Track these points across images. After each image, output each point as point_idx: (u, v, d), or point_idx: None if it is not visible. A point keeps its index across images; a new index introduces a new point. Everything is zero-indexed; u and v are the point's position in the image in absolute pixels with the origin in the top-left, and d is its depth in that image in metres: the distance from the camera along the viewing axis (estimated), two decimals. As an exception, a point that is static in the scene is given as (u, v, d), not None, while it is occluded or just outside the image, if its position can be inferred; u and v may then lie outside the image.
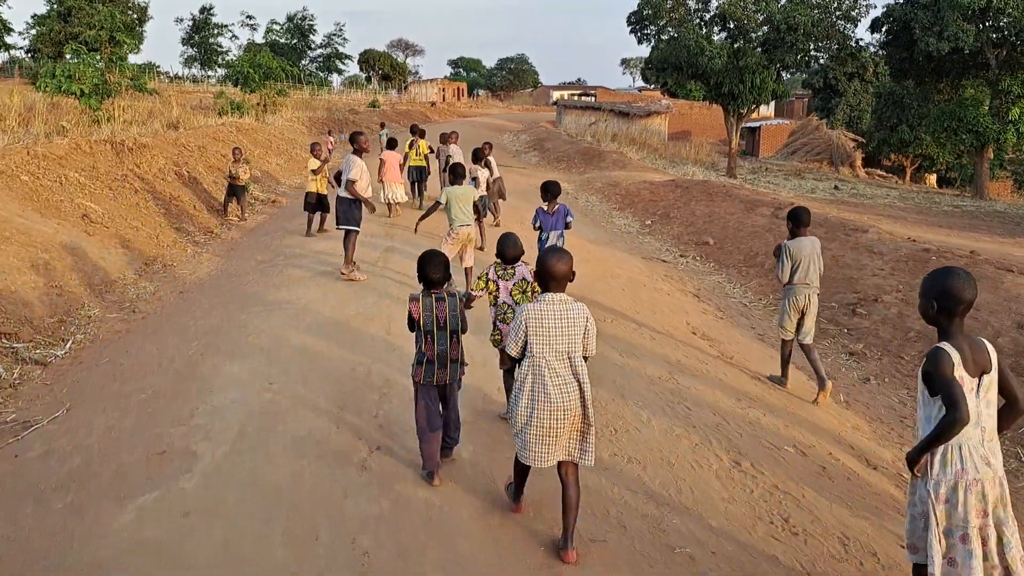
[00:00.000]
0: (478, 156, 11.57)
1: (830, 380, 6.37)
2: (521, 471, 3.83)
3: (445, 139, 14.49)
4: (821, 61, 28.15)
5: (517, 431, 3.60)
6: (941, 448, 2.95)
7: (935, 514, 2.94)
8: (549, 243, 7.62)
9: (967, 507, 2.91)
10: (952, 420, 2.86)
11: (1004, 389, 3.07)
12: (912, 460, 3.06)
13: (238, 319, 7.28)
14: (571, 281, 3.57)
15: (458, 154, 13.12)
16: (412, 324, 4.25)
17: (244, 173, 13.65)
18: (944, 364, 2.91)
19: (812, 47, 26.52)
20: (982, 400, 2.96)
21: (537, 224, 7.82)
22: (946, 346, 2.96)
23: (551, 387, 3.46)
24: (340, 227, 8.85)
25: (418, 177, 14.50)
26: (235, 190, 13.70)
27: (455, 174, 8.09)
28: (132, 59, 46.38)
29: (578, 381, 3.52)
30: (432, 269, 4.17)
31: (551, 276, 3.50)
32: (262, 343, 6.49)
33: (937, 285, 2.99)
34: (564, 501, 3.62)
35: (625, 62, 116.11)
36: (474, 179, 10.55)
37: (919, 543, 3.07)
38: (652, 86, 70.49)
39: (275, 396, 5.34)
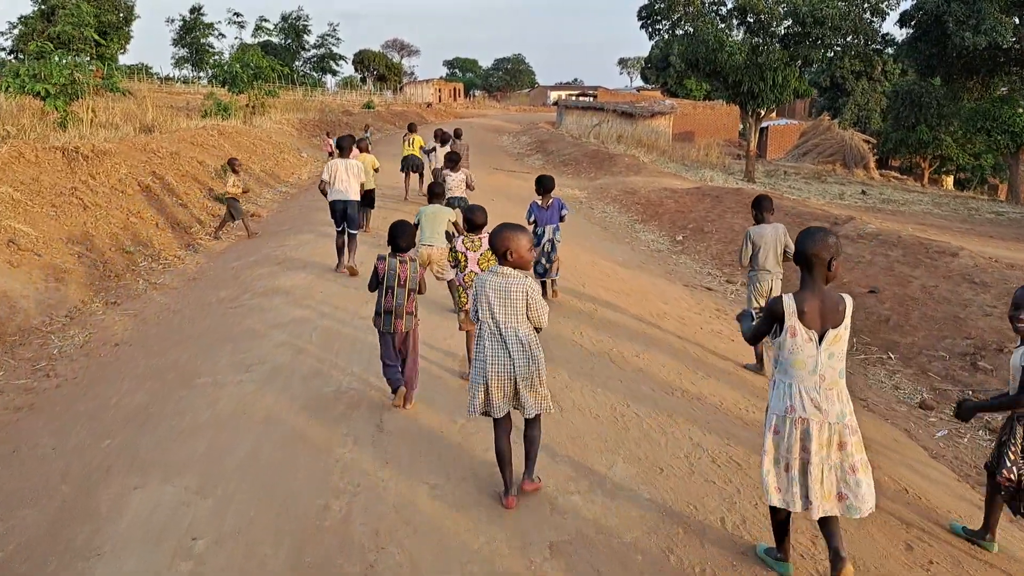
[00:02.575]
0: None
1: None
2: (499, 456, 3.88)
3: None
4: (845, 57, 26.16)
5: (469, 384, 3.84)
6: (778, 383, 3.26)
7: (767, 442, 3.26)
8: (545, 238, 7.59)
9: (791, 440, 3.17)
10: (744, 331, 3.60)
11: None
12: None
13: (174, 398, 5.31)
14: (513, 260, 3.66)
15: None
16: (374, 284, 4.90)
17: (234, 187, 11.58)
18: (775, 307, 3.23)
19: (838, 42, 24.59)
20: (823, 351, 3.16)
21: (531, 219, 7.64)
22: (787, 296, 3.23)
23: (496, 348, 3.71)
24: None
25: (412, 166, 15.00)
26: (234, 208, 11.69)
27: (432, 193, 7.38)
28: (121, 59, 44.58)
29: (514, 345, 3.68)
30: (401, 237, 4.90)
31: (492, 249, 3.74)
32: (198, 448, 4.48)
33: (801, 243, 3.23)
34: (525, 439, 3.94)
35: (623, 61, 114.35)
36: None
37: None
38: (651, 85, 68.94)
39: (198, 567, 3.33)
